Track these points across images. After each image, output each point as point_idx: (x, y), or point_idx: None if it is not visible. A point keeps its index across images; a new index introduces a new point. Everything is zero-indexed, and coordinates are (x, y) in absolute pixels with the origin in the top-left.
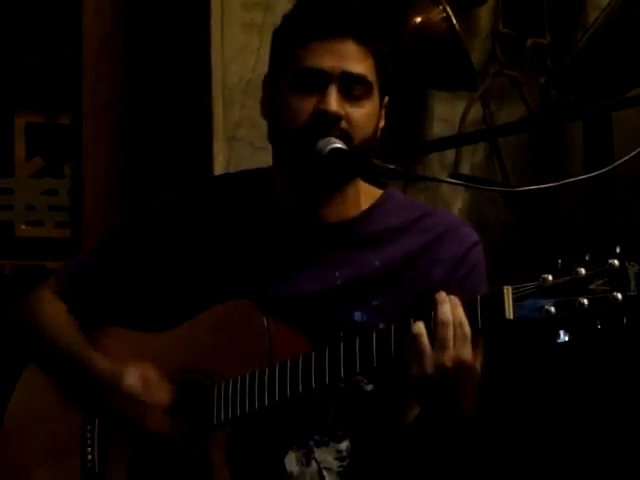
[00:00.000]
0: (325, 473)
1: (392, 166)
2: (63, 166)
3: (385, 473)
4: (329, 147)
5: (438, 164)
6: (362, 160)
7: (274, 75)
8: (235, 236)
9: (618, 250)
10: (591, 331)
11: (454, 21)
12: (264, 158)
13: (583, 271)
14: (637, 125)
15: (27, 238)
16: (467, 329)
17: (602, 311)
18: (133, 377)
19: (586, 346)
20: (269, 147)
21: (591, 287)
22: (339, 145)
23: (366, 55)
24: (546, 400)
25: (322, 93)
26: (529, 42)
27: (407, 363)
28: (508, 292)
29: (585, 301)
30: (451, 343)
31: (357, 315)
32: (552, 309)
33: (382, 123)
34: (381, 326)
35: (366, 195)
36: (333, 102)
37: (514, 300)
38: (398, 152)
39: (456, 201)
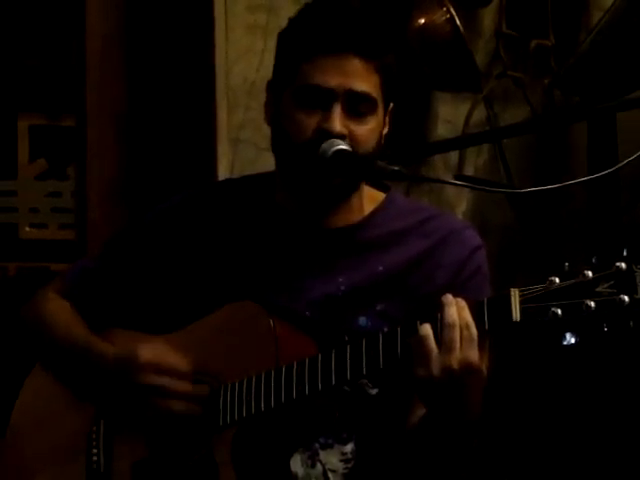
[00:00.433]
0: (330, 475)
1: (396, 168)
2: (67, 168)
3: (390, 475)
4: (333, 149)
5: (442, 165)
6: (366, 162)
7: (278, 83)
8: (238, 242)
9: (625, 253)
10: (598, 334)
11: (458, 22)
12: (268, 160)
13: (590, 274)
14: None
15: (31, 240)
16: (474, 331)
17: (609, 314)
18: (148, 351)
19: (593, 349)
20: None
21: (598, 290)
22: (343, 147)
23: (372, 72)
24: (552, 402)
25: (326, 111)
26: (533, 43)
27: (413, 365)
28: (515, 294)
29: (592, 304)
30: (457, 345)
31: (362, 320)
32: (559, 311)
33: (386, 130)
34: (387, 330)
35: (368, 199)
36: (337, 122)
37: (521, 302)
38: (402, 154)
39: (460, 203)
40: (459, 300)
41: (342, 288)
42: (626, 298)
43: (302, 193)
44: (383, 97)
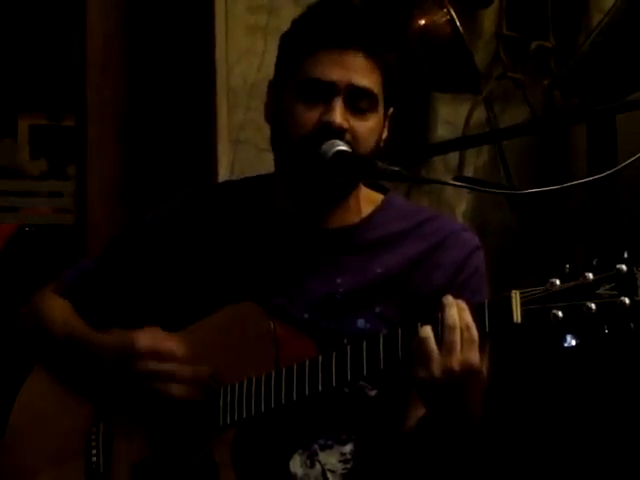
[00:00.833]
0: (329, 475)
1: (396, 168)
2: (67, 168)
3: (388, 476)
4: (334, 150)
5: (442, 167)
6: (366, 163)
7: (280, 81)
8: (237, 243)
9: (626, 255)
10: (598, 336)
11: (458, 24)
12: (268, 160)
13: (591, 276)
14: None
15: None
16: (474, 333)
17: (609, 316)
18: (145, 337)
19: (593, 351)
20: None
21: (599, 292)
22: (343, 147)
23: (374, 68)
24: (553, 404)
25: (327, 104)
26: (533, 45)
27: (414, 366)
28: (516, 296)
29: (593, 306)
30: (458, 347)
31: (360, 322)
32: (559, 313)
33: (385, 134)
34: (385, 332)
35: (367, 201)
36: (338, 114)
37: (522, 304)
38: (402, 155)
39: (460, 204)
40: (460, 302)
41: (340, 290)
42: (627, 300)
43: (301, 193)
44: (384, 96)
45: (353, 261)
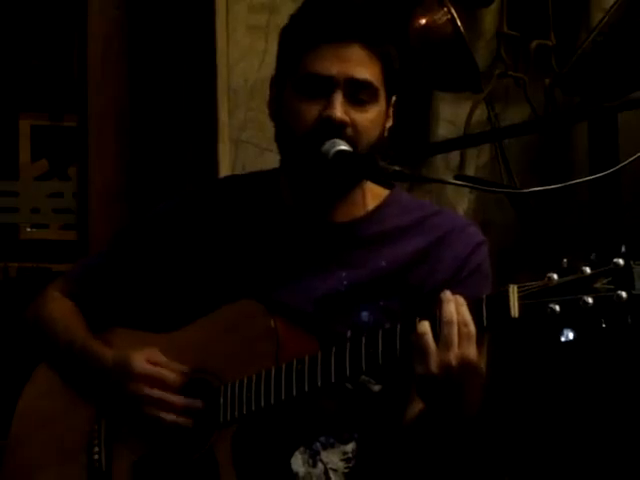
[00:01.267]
0: (331, 474)
1: (397, 168)
2: (68, 168)
3: (390, 474)
4: (335, 149)
5: (443, 166)
6: (368, 162)
7: (280, 77)
8: (242, 237)
9: (623, 249)
10: (596, 330)
11: (459, 23)
12: (270, 160)
13: (588, 270)
14: None
15: (32, 241)
16: (472, 328)
17: (607, 310)
18: (141, 360)
19: (591, 345)
20: (275, 149)
21: (596, 286)
22: (345, 147)
23: (373, 60)
24: (551, 398)
25: (327, 99)
26: (534, 43)
27: (412, 362)
28: (513, 291)
29: (590, 300)
30: (456, 342)
31: (365, 315)
32: (557, 308)
33: (390, 122)
34: (387, 326)
35: (372, 195)
36: (338, 108)
37: (519, 299)
38: (403, 154)
39: (461, 203)
40: (458, 297)
41: (345, 283)
42: (624, 294)
43: (305, 188)
44: (385, 87)
45: (358, 255)
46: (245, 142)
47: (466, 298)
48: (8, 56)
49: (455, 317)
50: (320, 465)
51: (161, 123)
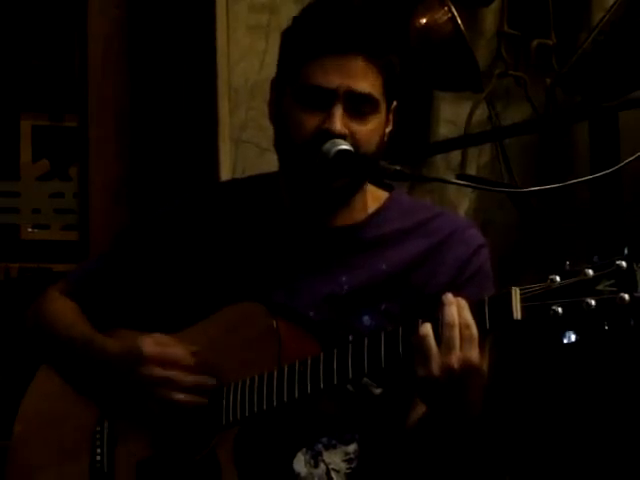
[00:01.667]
0: (333, 475)
1: (398, 167)
2: (69, 169)
3: (392, 475)
4: (336, 149)
5: (444, 165)
6: (369, 162)
7: (281, 82)
8: (243, 240)
9: (626, 251)
10: (598, 332)
11: (459, 22)
12: (270, 160)
13: (591, 272)
14: None
15: (33, 241)
16: (474, 331)
17: (609, 312)
18: (151, 343)
19: (593, 347)
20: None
21: (599, 288)
22: (346, 147)
23: (374, 71)
24: (553, 400)
25: (327, 111)
26: (534, 43)
27: (414, 364)
28: (516, 293)
29: (592, 302)
30: (457, 344)
31: (366, 319)
32: (559, 310)
33: (390, 128)
34: (390, 329)
35: (372, 198)
36: (338, 122)
37: (522, 301)
38: (404, 153)
39: (462, 202)
40: (460, 299)
41: (345, 287)
42: (626, 296)
43: (305, 193)
44: (385, 97)
45: (358, 259)
46: (246, 142)
47: (468, 300)
48: (9, 56)
49: (457, 319)
50: (322, 466)
51: (161, 123)
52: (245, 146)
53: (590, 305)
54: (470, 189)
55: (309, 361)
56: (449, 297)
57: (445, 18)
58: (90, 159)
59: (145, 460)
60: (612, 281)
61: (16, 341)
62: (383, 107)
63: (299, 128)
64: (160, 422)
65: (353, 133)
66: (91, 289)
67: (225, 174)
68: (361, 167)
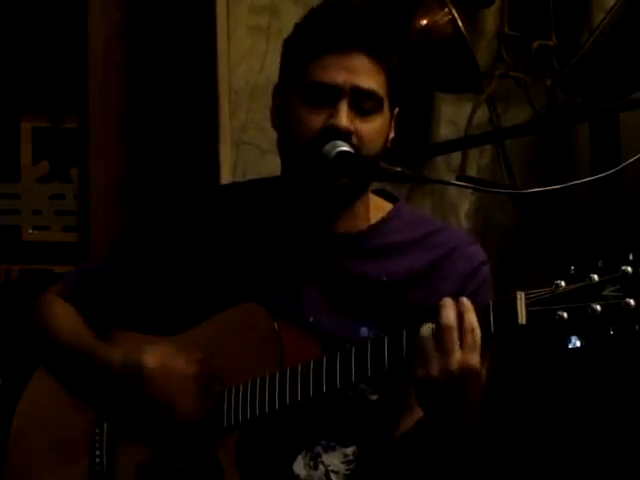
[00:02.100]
0: (332, 476)
1: (399, 169)
2: (70, 170)
3: (391, 477)
4: (336, 150)
5: (445, 167)
6: (369, 163)
7: (284, 86)
8: (243, 244)
9: (631, 257)
10: (603, 337)
11: (460, 23)
12: (271, 161)
13: (596, 277)
14: None
15: (34, 242)
16: (478, 335)
17: (614, 317)
18: (154, 356)
19: (598, 352)
20: (276, 151)
21: (604, 293)
22: (346, 148)
23: (378, 69)
24: (557, 405)
25: (332, 108)
26: (535, 44)
27: (413, 367)
28: (521, 298)
29: (598, 307)
30: (456, 347)
31: (363, 331)
32: (565, 315)
33: (392, 134)
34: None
35: (376, 209)
36: (344, 117)
37: (527, 306)
38: (405, 155)
39: (463, 203)
40: (466, 302)
41: (345, 296)
42: (632, 302)
43: (307, 196)
44: (389, 97)
45: (359, 268)
46: (246, 144)
47: (475, 304)
48: (9, 58)
49: (455, 322)
50: (321, 467)
51: (162, 125)
52: (245, 148)
53: (595, 310)
54: (470, 190)
55: (312, 364)
56: (447, 300)
57: (445, 19)
58: (90, 161)
59: (146, 462)
60: (617, 286)
61: (14, 343)
62: (387, 108)
63: (305, 127)
64: (161, 422)
65: (358, 131)
66: (91, 292)
67: (225, 175)
68: (362, 168)
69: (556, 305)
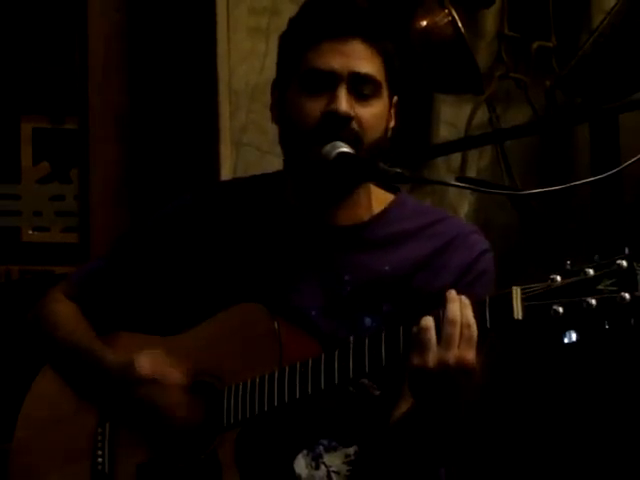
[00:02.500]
0: (334, 476)
1: (398, 170)
2: (70, 171)
3: (392, 477)
4: (336, 152)
5: (444, 168)
6: (369, 164)
7: (283, 79)
8: (245, 240)
9: (626, 251)
10: (599, 331)
11: (460, 24)
12: (271, 162)
13: (591, 272)
14: None
15: (34, 243)
16: (474, 331)
17: (610, 311)
18: (146, 362)
19: (594, 346)
20: (276, 151)
21: (599, 287)
22: (346, 149)
23: (374, 54)
24: (554, 400)
25: (332, 94)
26: (535, 45)
27: (410, 354)
28: (517, 292)
29: (593, 301)
30: (457, 342)
31: (367, 321)
32: (560, 309)
33: (392, 123)
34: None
35: (378, 199)
36: (343, 102)
37: (523, 300)
38: (405, 156)
39: (463, 204)
40: (463, 298)
41: (348, 288)
42: (627, 296)
43: (308, 189)
44: (387, 83)
45: (361, 259)
46: (246, 145)
47: (472, 299)
48: (9, 59)
49: (459, 317)
50: (323, 468)
51: (162, 126)
52: (245, 149)
53: (591, 304)
54: (470, 191)
55: (310, 361)
56: (453, 294)
57: (445, 20)
58: (90, 161)
59: (146, 462)
60: (613, 280)
61: (17, 343)
62: (385, 94)
63: (305, 114)
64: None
65: (358, 116)
66: (94, 291)
67: (225, 176)
68: (362, 169)
69: (552, 300)
